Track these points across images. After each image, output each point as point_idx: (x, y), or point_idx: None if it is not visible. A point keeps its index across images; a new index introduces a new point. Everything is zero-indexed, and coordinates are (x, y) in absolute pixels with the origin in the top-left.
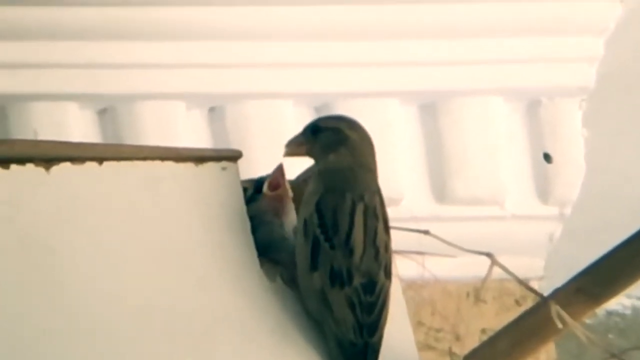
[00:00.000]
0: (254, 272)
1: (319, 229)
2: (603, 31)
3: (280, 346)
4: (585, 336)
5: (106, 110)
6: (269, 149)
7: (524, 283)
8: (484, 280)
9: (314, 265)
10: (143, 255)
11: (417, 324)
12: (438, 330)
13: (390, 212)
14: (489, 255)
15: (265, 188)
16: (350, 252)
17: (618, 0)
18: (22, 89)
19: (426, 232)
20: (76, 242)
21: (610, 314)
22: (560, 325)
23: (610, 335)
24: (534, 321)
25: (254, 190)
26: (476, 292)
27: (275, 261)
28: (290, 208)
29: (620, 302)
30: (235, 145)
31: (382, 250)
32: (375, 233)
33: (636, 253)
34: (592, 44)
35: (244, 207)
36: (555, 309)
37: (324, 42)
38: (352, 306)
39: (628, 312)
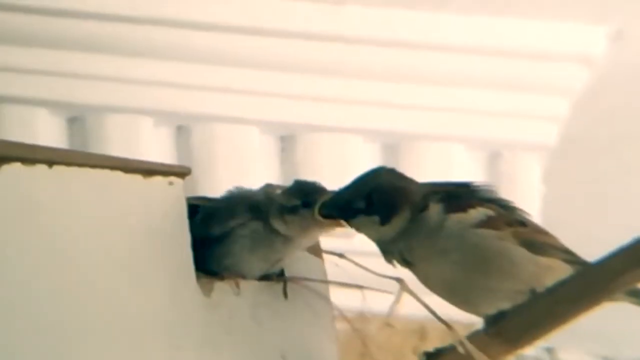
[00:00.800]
0: (189, 286)
1: None
2: (569, 93)
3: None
4: None
5: (76, 119)
6: (231, 171)
7: (433, 312)
8: (392, 305)
9: None
10: (85, 258)
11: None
12: None
13: (344, 244)
14: (398, 280)
15: (317, 210)
16: None
17: (586, 66)
18: None
19: (341, 256)
20: (22, 240)
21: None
22: None
23: None
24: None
25: (301, 204)
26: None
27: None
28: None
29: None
30: (199, 165)
31: None
32: None
33: (557, 303)
34: (557, 104)
35: (187, 222)
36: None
37: (295, 74)
38: None
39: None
